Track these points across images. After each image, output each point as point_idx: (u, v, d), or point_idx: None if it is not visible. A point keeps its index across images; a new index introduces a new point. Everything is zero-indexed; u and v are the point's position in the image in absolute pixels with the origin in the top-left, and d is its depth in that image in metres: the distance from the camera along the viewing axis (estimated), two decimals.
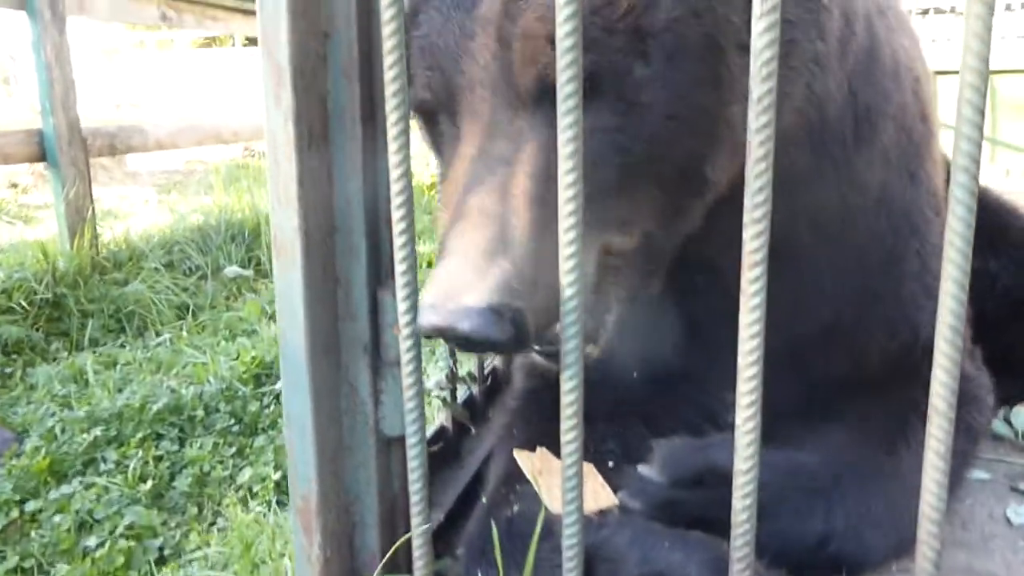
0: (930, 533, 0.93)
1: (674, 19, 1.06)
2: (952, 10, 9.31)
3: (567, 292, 0.90)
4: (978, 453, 1.59)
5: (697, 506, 1.19)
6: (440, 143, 1.20)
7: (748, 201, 0.87)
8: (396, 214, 0.95)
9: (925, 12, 9.48)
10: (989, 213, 2.30)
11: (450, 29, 1.08)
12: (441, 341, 1.31)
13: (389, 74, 0.93)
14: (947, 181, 2.06)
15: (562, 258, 0.90)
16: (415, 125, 1.19)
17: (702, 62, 1.10)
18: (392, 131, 0.94)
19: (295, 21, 0.97)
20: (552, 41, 1.02)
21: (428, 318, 0.94)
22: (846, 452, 1.35)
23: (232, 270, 4.92)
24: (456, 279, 0.95)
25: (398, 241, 0.96)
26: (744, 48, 1.09)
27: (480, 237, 0.98)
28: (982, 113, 0.80)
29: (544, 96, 1.05)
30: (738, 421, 0.93)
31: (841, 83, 1.33)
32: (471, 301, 0.93)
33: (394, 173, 0.94)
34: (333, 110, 1.06)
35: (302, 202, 1.02)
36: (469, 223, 1.00)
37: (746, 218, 0.88)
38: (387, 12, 0.91)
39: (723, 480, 1.20)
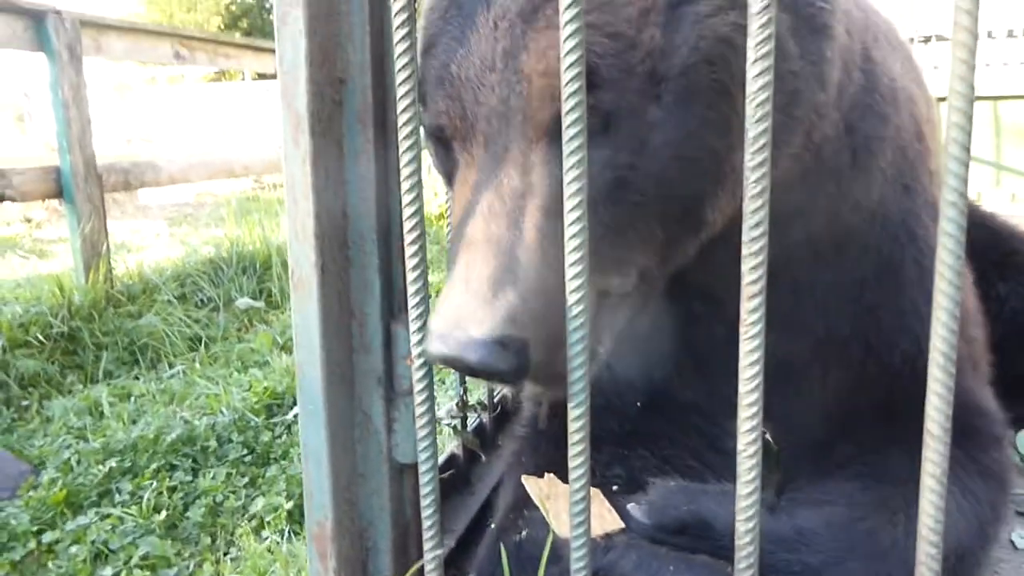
0: (929, 555, 0.95)
1: (689, 65, 1.10)
2: None
3: (573, 323, 0.94)
4: (1009, 500, 1.49)
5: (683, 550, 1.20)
6: (452, 170, 1.22)
7: (745, 235, 0.91)
8: (408, 251, 1.00)
9: (927, 40, 9.59)
10: (996, 238, 2.33)
11: (470, 60, 1.10)
12: (452, 370, 1.36)
13: (403, 118, 0.98)
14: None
15: (568, 290, 0.94)
16: (426, 155, 1.23)
17: (712, 107, 1.13)
18: (405, 171, 0.99)
19: (313, 71, 1.03)
20: None
21: (436, 347, 0.98)
22: (851, 523, 1.29)
23: (244, 302, 4.98)
24: (464, 309, 0.98)
25: (410, 276, 1.01)
26: None
27: (488, 267, 1.01)
28: (969, 136, 0.84)
29: (559, 132, 1.09)
30: (740, 446, 0.96)
31: (837, 124, 1.36)
32: (477, 332, 0.96)
33: (407, 212, 0.99)
34: (348, 152, 1.11)
35: (319, 239, 1.06)
36: (478, 252, 1.03)
37: (744, 251, 0.92)
38: (402, 60, 0.96)
39: (706, 532, 1.22)
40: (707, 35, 1.11)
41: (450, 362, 0.99)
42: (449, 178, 1.26)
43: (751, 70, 0.87)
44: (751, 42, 0.86)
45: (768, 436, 1.81)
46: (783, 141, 1.24)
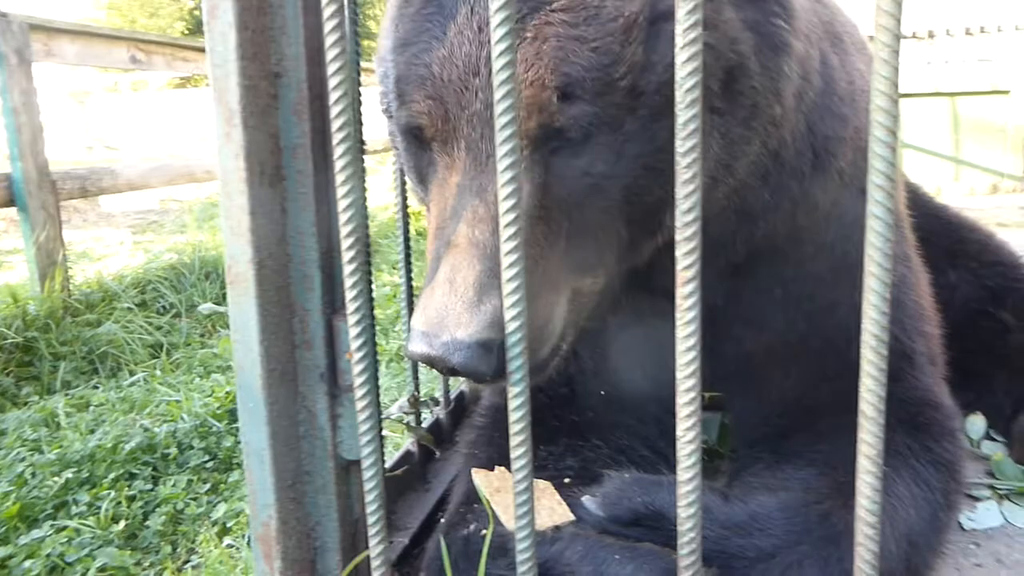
0: (867, 535, 0.96)
1: (664, 82, 1.13)
2: (914, 35, 9.57)
3: (510, 314, 0.94)
4: (962, 489, 1.49)
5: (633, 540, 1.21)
6: (426, 169, 1.24)
7: (679, 221, 0.91)
8: (345, 243, 0.99)
9: None
10: (948, 228, 2.37)
11: (454, 63, 1.11)
12: (406, 365, 1.35)
13: (335, 110, 0.97)
14: (907, 198, 2.12)
15: (504, 282, 0.94)
16: (381, 155, 1.23)
17: None
18: (339, 164, 0.98)
19: (244, 65, 1.02)
20: (561, 91, 1.09)
21: (420, 347, 1.02)
22: (805, 508, 1.30)
23: (207, 307, 4.91)
24: (448, 311, 1.02)
25: (347, 270, 1.00)
26: (715, 111, 1.19)
27: (473, 271, 1.04)
28: (895, 134, 0.85)
29: (543, 141, 1.12)
30: (679, 432, 0.96)
31: (797, 126, 1.40)
32: (462, 335, 1.00)
33: (341, 204, 0.98)
34: (285, 146, 1.10)
35: (255, 234, 1.05)
36: (462, 254, 1.06)
37: (678, 236, 0.92)
38: (332, 52, 0.96)
39: (660, 522, 1.23)
40: None
41: (432, 361, 1.02)
42: (421, 176, 1.26)
43: (679, 55, 0.88)
44: (679, 38, 0.86)
45: (724, 420, 1.83)
46: (741, 151, 1.28)
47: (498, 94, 0.89)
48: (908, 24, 9.51)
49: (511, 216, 0.91)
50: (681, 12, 0.88)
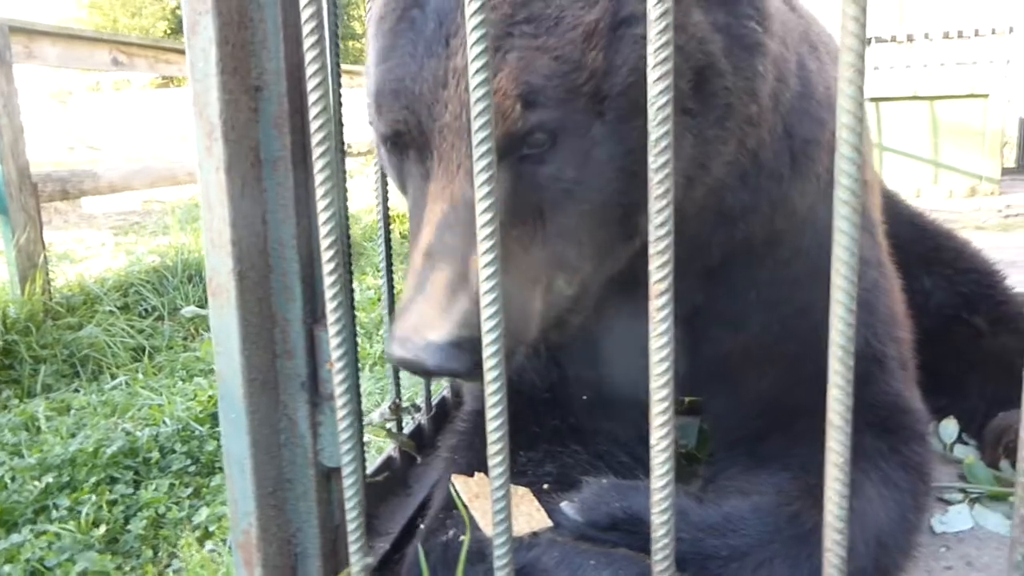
0: (835, 541, 0.99)
1: (630, 84, 1.15)
2: (893, 39, 9.67)
3: (488, 324, 0.96)
4: (931, 491, 1.53)
5: (611, 546, 1.23)
6: (406, 177, 1.27)
7: (652, 235, 0.93)
8: (325, 255, 1.01)
9: (868, 41, 9.83)
10: (923, 234, 2.41)
11: (424, 76, 1.15)
12: (389, 370, 1.37)
13: (315, 124, 0.99)
14: (883, 204, 2.15)
15: (482, 291, 0.96)
16: (366, 157, 1.26)
17: None
18: (319, 177, 1.00)
19: (225, 79, 1.03)
20: (523, 99, 1.12)
21: (396, 351, 1.08)
22: (776, 509, 1.32)
23: (189, 310, 4.90)
24: (422, 316, 1.08)
25: (328, 280, 1.01)
26: (687, 112, 1.21)
27: (443, 275, 1.10)
28: (859, 151, 0.87)
29: (510, 148, 1.14)
30: (652, 439, 0.98)
31: (775, 127, 1.41)
32: (435, 336, 1.06)
33: (322, 217, 0.99)
34: (265, 159, 1.11)
35: (236, 246, 1.06)
36: (434, 261, 1.11)
37: (651, 249, 0.94)
38: (311, 68, 0.97)
39: (638, 528, 1.25)
40: (645, 56, 1.15)
41: (410, 365, 1.09)
42: (402, 184, 1.30)
43: (651, 74, 0.90)
44: (650, 47, 0.89)
45: (703, 425, 1.86)
46: (716, 151, 1.30)
47: (475, 100, 0.91)
48: (887, 28, 9.62)
49: (487, 216, 0.93)
50: (652, 32, 0.90)
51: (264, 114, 1.10)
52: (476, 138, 0.92)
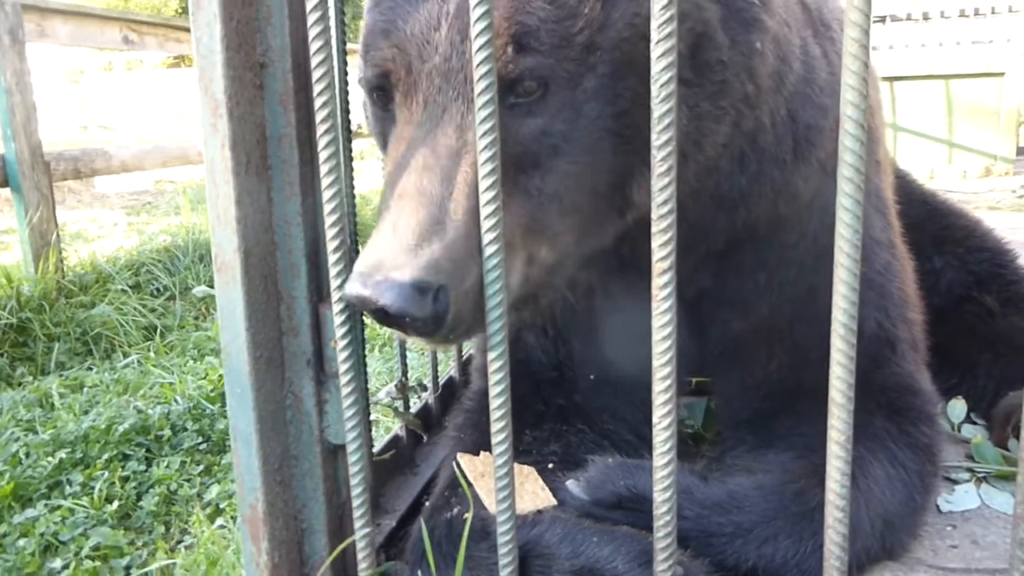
0: (836, 519, 0.99)
1: (624, 39, 1.14)
2: (908, 17, 9.55)
3: (491, 287, 0.96)
4: (939, 472, 1.52)
5: (614, 523, 1.23)
6: (388, 128, 1.24)
7: (655, 213, 0.93)
8: (329, 232, 1.01)
9: (883, 19, 9.72)
10: (935, 214, 2.39)
11: (416, 17, 1.12)
12: (396, 349, 1.35)
13: (319, 100, 0.98)
14: (895, 184, 2.12)
15: (485, 255, 0.96)
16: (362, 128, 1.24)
17: (644, 82, 1.16)
18: (323, 154, 1.00)
19: (230, 56, 1.03)
20: (515, 40, 1.08)
21: (353, 287, 0.99)
22: (781, 487, 1.33)
23: (201, 290, 4.92)
24: (386, 253, 1.00)
25: (332, 257, 1.02)
26: (682, 81, 1.17)
27: (415, 217, 1.03)
28: (863, 127, 0.86)
29: (499, 95, 1.10)
30: (655, 418, 0.99)
31: (777, 110, 1.39)
32: (397, 276, 0.97)
33: (326, 194, 1.00)
34: (271, 136, 1.11)
35: (241, 223, 1.07)
36: (409, 202, 1.05)
37: (654, 228, 0.94)
38: (316, 44, 0.97)
39: (642, 506, 1.26)
40: (641, 11, 1.14)
41: (365, 303, 0.99)
42: (384, 138, 1.27)
43: (655, 50, 0.89)
44: (654, 23, 0.88)
45: (710, 405, 1.86)
46: (710, 128, 1.28)
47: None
48: (903, 6, 9.50)
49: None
50: (656, 22, 0.89)
51: (269, 91, 1.10)
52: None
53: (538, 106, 1.13)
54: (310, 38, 0.96)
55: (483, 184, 0.94)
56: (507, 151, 1.09)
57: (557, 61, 1.11)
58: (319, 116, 0.98)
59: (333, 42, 1.02)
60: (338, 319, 1.04)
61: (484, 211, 0.94)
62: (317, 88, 0.97)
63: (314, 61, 0.96)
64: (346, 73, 1.32)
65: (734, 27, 1.24)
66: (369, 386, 1.66)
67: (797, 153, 1.46)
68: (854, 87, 0.83)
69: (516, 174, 1.12)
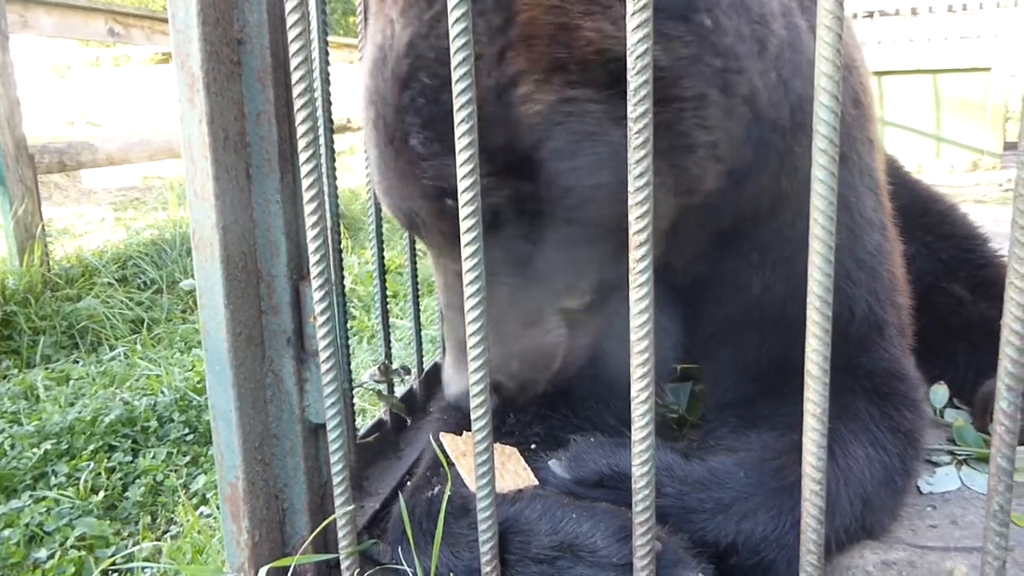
0: (813, 491, 0.99)
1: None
2: (896, 12, 9.58)
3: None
4: (920, 456, 1.54)
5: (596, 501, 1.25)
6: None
7: (631, 186, 0.93)
8: (308, 208, 1.01)
9: (871, 15, 9.76)
10: (916, 200, 2.40)
11: (383, 171, 1.22)
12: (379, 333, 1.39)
13: (296, 75, 0.98)
14: (886, 167, 2.14)
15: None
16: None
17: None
18: (301, 129, 0.99)
19: (207, 31, 1.02)
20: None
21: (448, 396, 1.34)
22: (761, 463, 1.34)
23: (188, 283, 4.90)
24: (448, 372, 1.34)
25: (311, 233, 1.01)
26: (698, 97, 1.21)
27: (455, 335, 1.28)
28: (837, 115, 0.87)
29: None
30: (633, 391, 0.99)
31: (766, 73, 1.36)
32: (455, 390, 1.31)
33: (304, 168, 0.99)
34: (249, 112, 1.11)
35: (219, 199, 1.06)
36: (448, 321, 1.32)
37: (631, 200, 0.94)
38: (292, 17, 0.97)
39: (624, 484, 1.26)
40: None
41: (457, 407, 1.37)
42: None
43: (631, 21, 0.89)
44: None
45: (695, 388, 1.87)
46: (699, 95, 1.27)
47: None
48: (891, 1, 9.53)
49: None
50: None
51: (247, 67, 1.09)
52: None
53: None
54: (286, 12, 0.95)
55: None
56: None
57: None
58: (296, 91, 0.97)
59: (313, 20, 1.01)
60: (317, 295, 1.04)
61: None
62: (294, 63, 0.97)
63: (291, 35, 0.96)
64: (327, 53, 1.32)
65: None
66: (354, 373, 1.66)
67: (794, 121, 1.44)
68: (828, 58, 0.83)
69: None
